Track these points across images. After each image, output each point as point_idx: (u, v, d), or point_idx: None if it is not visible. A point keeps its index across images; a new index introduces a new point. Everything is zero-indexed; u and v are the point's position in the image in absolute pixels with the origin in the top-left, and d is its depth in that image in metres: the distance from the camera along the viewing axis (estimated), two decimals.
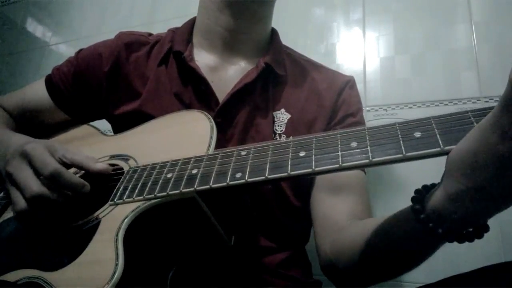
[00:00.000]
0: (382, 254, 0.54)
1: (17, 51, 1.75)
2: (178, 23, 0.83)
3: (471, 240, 0.41)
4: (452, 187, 0.39)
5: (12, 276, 0.53)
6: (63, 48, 1.64)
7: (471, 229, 0.41)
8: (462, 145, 0.37)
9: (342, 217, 0.65)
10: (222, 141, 0.57)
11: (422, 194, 0.44)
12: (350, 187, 0.68)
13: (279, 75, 0.75)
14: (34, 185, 0.54)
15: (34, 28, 1.77)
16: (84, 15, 1.65)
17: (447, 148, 0.39)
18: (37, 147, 0.57)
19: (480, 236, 0.41)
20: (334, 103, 0.75)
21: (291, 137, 0.58)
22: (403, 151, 0.41)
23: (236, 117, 0.71)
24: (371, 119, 1.01)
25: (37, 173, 0.55)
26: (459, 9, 1.01)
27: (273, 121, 0.72)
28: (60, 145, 0.60)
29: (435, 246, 0.47)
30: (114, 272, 0.45)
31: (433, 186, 0.44)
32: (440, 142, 0.40)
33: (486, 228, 0.41)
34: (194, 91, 0.72)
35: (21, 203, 0.54)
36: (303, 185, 0.73)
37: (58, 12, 1.72)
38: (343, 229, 0.63)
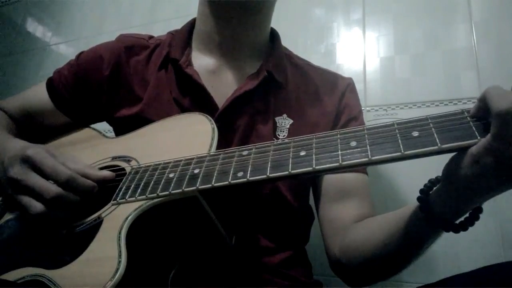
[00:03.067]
0: (386, 250, 0.56)
1: (17, 51, 1.75)
2: (178, 23, 0.83)
3: (471, 224, 0.46)
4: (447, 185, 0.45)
5: (14, 275, 0.53)
6: (63, 48, 1.64)
7: (468, 215, 0.47)
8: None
9: (349, 220, 0.67)
10: (222, 146, 0.58)
11: (428, 187, 0.49)
12: (355, 192, 0.70)
13: (279, 81, 0.75)
14: (51, 187, 0.55)
15: (34, 28, 1.77)
16: (84, 15, 1.65)
17: (444, 146, 0.40)
18: (39, 151, 0.58)
19: (477, 218, 0.46)
20: (337, 108, 0.76)
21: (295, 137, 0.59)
22: (402, 149, 0.42)
23: (236, 123, 0.70)
24: (371, 119, 1.02)
25: (45, 177, 0.56)
26: (459, 9, 1.01)
27: (275, 126, 0.72)
28: (58, 151, 0.61)
29: (435, 237, 0.51)
30: (117, 270, 0.45)
31: (438, 180, 0.48)
32: (438, 140, 0.41)
33: (480, 210, 0.46)
34: (193, 98, 0.72)
35: (37, 206, 0.55)
36: (301, 186, 0.74)
37: (58, 12, 1.72)
38: (350, 230, 0.65)
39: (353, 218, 0.67)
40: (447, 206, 0.46)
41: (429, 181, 0.50)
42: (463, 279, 0.47)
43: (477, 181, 0.41)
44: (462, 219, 0.47)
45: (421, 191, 0.49)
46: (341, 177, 0.70)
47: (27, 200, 0.56)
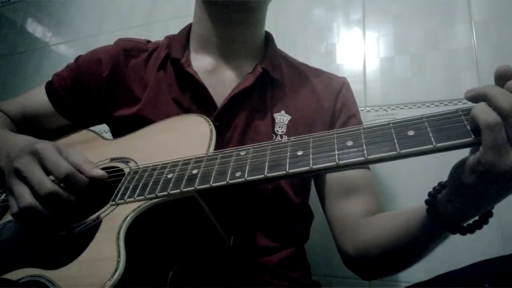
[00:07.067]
0: (395, 249, 0.58)
1: (17, 51, 1.75)
2: (178, 23, 0.84)
3: (479, 227, 0.47)
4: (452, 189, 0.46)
5: (13, 275, 0.53)
6: (63, 48, 1.64)
7: (477, 218, 0.47)
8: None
9: (358, 216, 0.68)
10: (221, 144, 0.59)
11: (437, 190, 0.49)
12: (361, 188, 0.71)
13: (276, 79, 0.76)
14: (48, 183, 0.55)
15: (34, 28, 1.77)
16: (84, 15, 1.65)
17: (439, 145, 0.41)
18: (47, 146, 0.58)
19: (485, 222, 0.47)
20: (333, 106, 0.77)
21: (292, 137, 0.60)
22: (397, 148, 0.42)
23: (234, 120, 0.71)
24: (371, 119, 1.02)
25: (47, 172, 0.56)
26: (459, 9, 1.01)
27: (274, 123, 0.73)
28: (64, 146, 0.61)
29: (444, 238, 0.52)
30: (116, 270, 0.46)
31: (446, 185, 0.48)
32: (433, 139, 0.41)
33: (490, 214, 0.46)
34: (193, 96, 0.73)
35: (27, 198, 0.54)
36: (302, 182, 0.75)
37: (58, 12, 1.72)
38: (360, 227, 0.66)
39: (361, 214, 0.68)
40: (454, 209, 0.47)
41: (439, 184, 0.50)
42: (454, 275, 0.48)
43: (477, 189, 0.42)
44: (470, 222, 0.48)
45: (430, 194, 0.50)
46: (346, 174, 0.71)
47: (23, 190, 0.55)
